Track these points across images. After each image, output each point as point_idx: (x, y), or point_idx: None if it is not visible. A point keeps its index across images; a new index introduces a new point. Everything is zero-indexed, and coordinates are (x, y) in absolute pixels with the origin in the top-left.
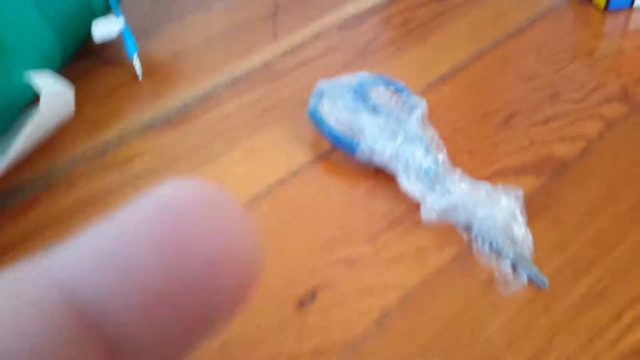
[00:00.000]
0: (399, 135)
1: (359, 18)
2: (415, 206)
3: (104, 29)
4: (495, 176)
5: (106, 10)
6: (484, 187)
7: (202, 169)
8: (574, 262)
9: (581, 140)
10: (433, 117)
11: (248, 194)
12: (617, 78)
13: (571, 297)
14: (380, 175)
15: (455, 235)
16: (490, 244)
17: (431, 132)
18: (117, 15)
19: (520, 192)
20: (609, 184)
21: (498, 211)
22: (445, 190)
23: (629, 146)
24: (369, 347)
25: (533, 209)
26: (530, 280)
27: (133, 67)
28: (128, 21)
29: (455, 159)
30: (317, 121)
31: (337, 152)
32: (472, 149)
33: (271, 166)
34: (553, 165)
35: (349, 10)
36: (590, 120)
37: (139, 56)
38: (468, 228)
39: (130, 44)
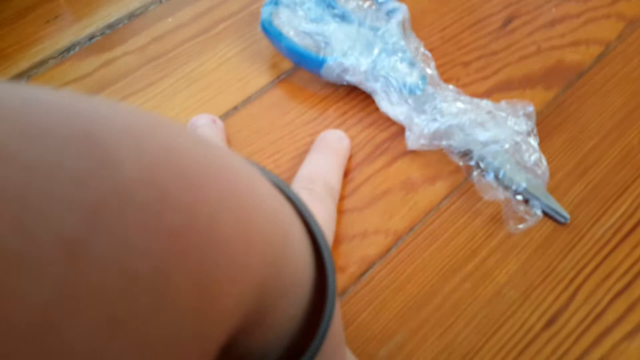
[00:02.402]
0: (376, 46)
1: None
2: (399, 132)
3: None
4: (496, 91)
5: None
6: (485, 105)
7: (130, 101)
8: (599, 188)
9: (597, 45)
10: (416, 25)
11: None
12: None
13: (598, 231)
14: (354, 96)
15: (450, 165)
16: (496, 173)
17: (415, 43)
18: None
19: (531, 108)
20: (634, 93)
21: (504, 133)
22: (436, 111)
23: None
24: (349, 307)
25: (545, 128)
26: (547, 215)
27: None
28: None
29: (446, 74)
30: (272, 34)
31: (300, 71)
32: (466, 60)
33: (219, 93)
34: (565, 74)
35: None
36: (605, 21)
37: None
38: (466, 155)
39: None
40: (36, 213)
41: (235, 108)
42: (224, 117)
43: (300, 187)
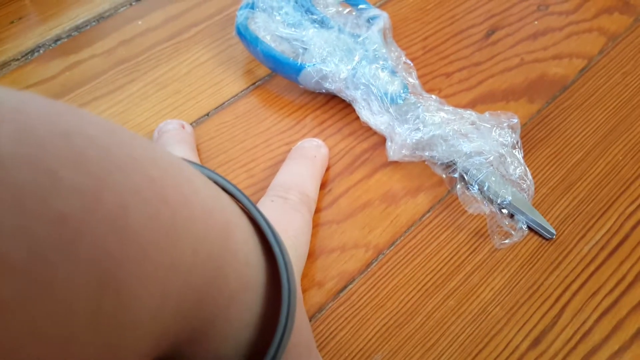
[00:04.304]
0: (357, 53)
1: None
2: (379, 142)
3: None
4: (479, 103)
5: None
6: (469, 116)
7: (95, 105)
8: (584, 204)
9: (580, 59)
10: (397, 34)
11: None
12: None
13: (585, 247)
14: (333, 105)
15: (433, 177)
16: (481, 186)
17: (396, 52)
18: None
19: (516, 119)
20: (617, 108)
21: (488, 144)
22: (419, 120)
23: (638, 62)
24: (327, 325)
25: (529, 142)
26: (533, 230)
27: None
28: None
29: (428, 84)
30: (247, 38)
31: (276, 78)
32: (448, 71)
33: (191, 99)
34: (549, 87)
35: None
36: (588, 35)
37: None
38: (449, 167)
39: None
40: None
41: (207, 115)
42: (195, 124)
43: (274, 196)
